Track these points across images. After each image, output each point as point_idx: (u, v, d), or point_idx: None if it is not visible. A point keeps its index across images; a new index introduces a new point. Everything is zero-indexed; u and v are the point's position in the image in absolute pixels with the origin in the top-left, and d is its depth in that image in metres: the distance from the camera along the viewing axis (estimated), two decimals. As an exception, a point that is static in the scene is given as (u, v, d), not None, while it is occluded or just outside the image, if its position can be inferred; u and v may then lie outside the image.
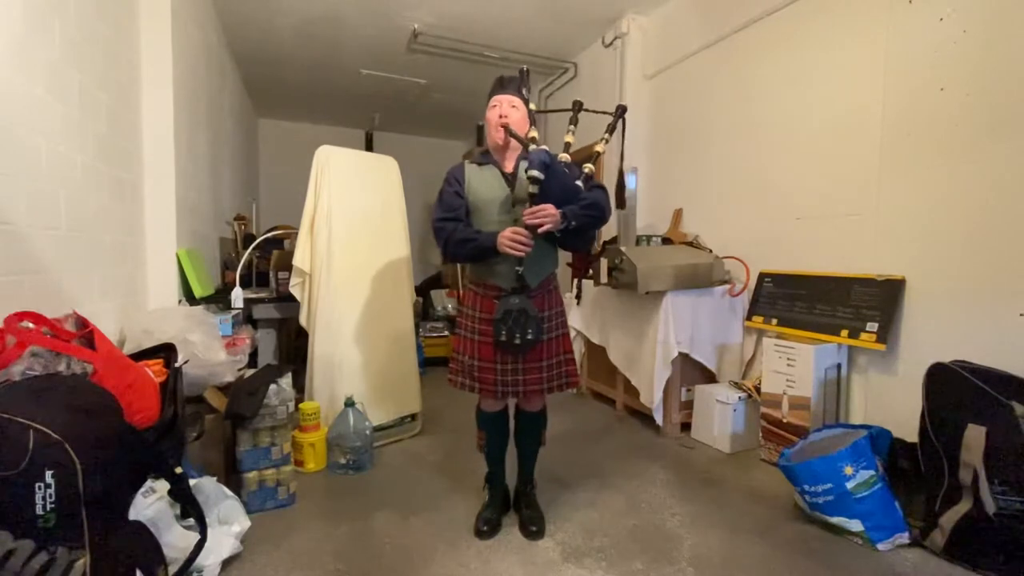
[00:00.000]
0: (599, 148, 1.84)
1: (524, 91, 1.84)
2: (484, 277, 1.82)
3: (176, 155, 2.54)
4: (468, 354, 1.82)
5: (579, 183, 1.72)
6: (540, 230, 1.63)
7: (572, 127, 1.88)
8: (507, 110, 1.79)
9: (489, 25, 3.87)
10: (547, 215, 1.62)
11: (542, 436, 1.97)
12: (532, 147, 1.67)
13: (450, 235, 1.75)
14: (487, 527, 1.85)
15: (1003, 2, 1.91)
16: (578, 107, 1.92)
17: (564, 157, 1.74)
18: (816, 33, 2.60)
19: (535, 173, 1.59)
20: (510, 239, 1.65)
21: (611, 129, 1.88)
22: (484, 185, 1.81)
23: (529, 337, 1.73)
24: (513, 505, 2.01)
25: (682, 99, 3.52)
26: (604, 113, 1.99)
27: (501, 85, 1.85)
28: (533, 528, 1.85)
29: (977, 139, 1.98)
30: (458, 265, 5.21)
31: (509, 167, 1.82)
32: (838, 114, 2.49)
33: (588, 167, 1.77)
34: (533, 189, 1.62)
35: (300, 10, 3.69)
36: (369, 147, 6.75)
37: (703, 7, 3.29)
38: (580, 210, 1.69)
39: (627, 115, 1.92)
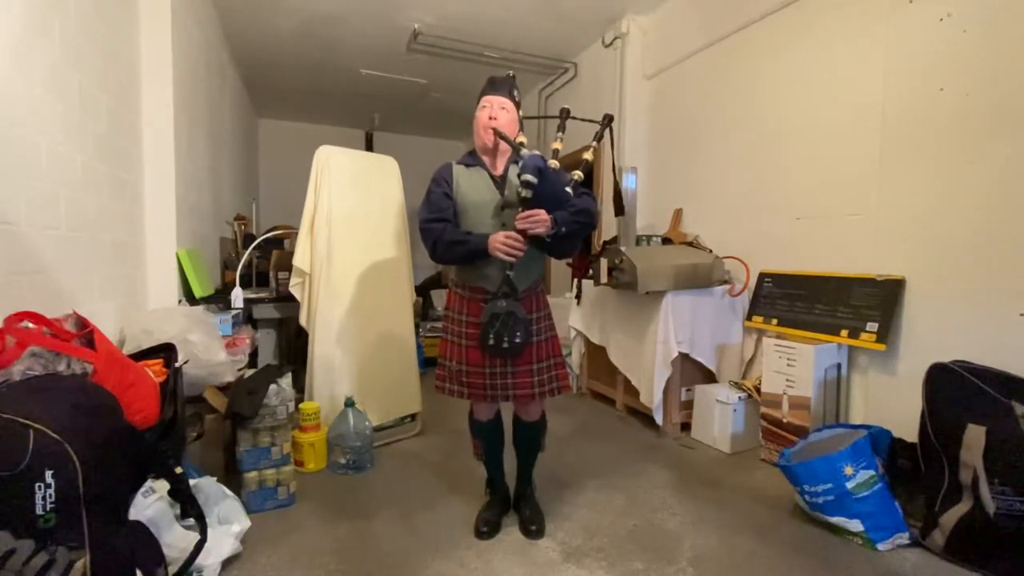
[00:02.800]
0: (587, 156, 1.84)
1: (515, 93, 1.83)
2: (471, 280, 1.79)
3: (176, 155, 2.54)
4: (455, 359, 1.80)
5: (568, 189, 1.72)
6: (531, 234, 1.63)
7: (560, 134, 1.87)
8: (497, 112, 1.76)
9: (489, 25, 3.87)
10: (540, 220, 1.61)
11: (542, 443, 1.97)
12: (524, 151, 1.65)
13: (439, 236, 1.71)
14: (487, 528, 1.85)
15: (1003, 2, 1.91)
16: (565, 114, 1.93)
17: (553, 163, 1.73)
18: (816, 33, 2.60)
19: (529, 178, 1.57)
20: (503, 243, 1.62)
21: (598, 137, 1.90)
22: (473, 188, 1.78)
23: (518, 340, 1.70)
24: (513, 505, 2.00)
25: (682, 99, 3.52)
26: (591, 121, 2.00)
27: (492, 86, 1.82)
28: (533, 528, 1.85)
29: (977, 139, 1.98)
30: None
31: (498, 170, 1.80)
32: (838, 114, 2.49)
33: (577, 174, 1.77)
34: (526, 194, 1.59)
35: (300, 10, 3.69)
36: (369, 147, 6.75)
37: (703, 7, 3.28)
38: (570, 216, 1.69)
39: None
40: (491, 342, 1.69)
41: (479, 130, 1.79)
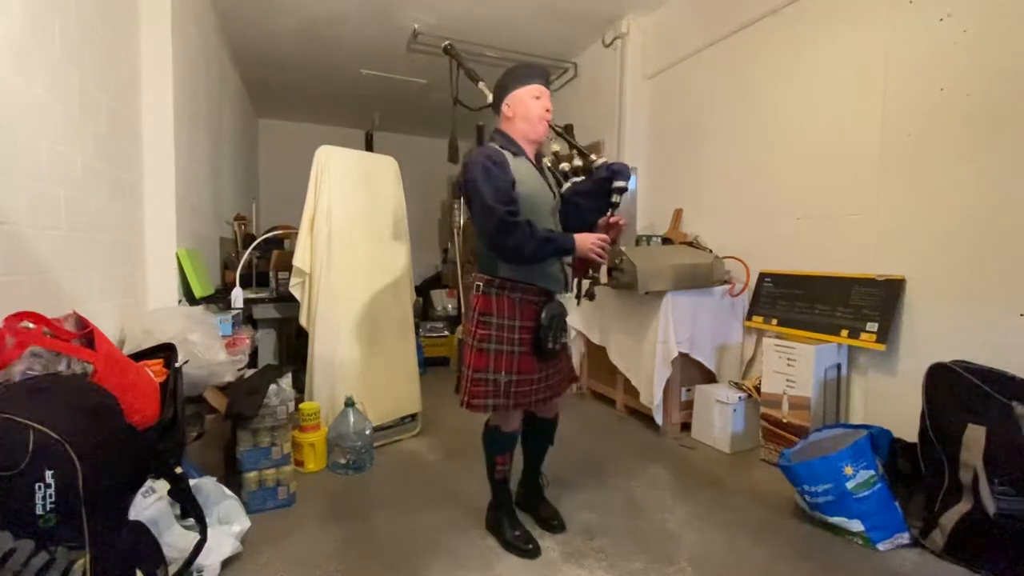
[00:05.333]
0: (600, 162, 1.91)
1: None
2: (529, 279, 1.67)
3: (176, 155, 2.54)
4: (505, 370, 1.64)
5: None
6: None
7: (575, 149, 1.93)
8: (549, 105, 1.71)
9: (489, 25, 3.87)
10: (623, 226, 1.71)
11: (554, 437, 2.00)
12: (596, 158, 1.77)
13: (529, 233, 1.54)
14: (531, 543, 1.74)
15: (1003, 2, 1.91)
16: (569, 129, 1.98)
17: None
18: (816, 33, 2.60)
19: (625, 184, 1.65)
20: (598, 245, 1.61)
21: (574, 145, 1.98)
22: (528, 178, 1.66)
23: (564, 341, 1.74)
24: (520, 506, 1.99)
25: (682, 99, 3.52)
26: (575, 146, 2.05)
27: (542, 75, 1.72)
28: (555, 523, 1.88)
29: (977, 139, 1.98)
30: (458, 265, 5.21)
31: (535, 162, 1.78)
32: (838, 114, 2.49)
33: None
34: (617, 199, 1.67)
35: (300, 10, 3.69)
36: (369, 147, 6.75)
37: (703, 7, 3.28)
38: None
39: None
40: (549, 345, 1.67)
41: (532, 119, 1.69)
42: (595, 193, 1.73)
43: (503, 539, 1.79)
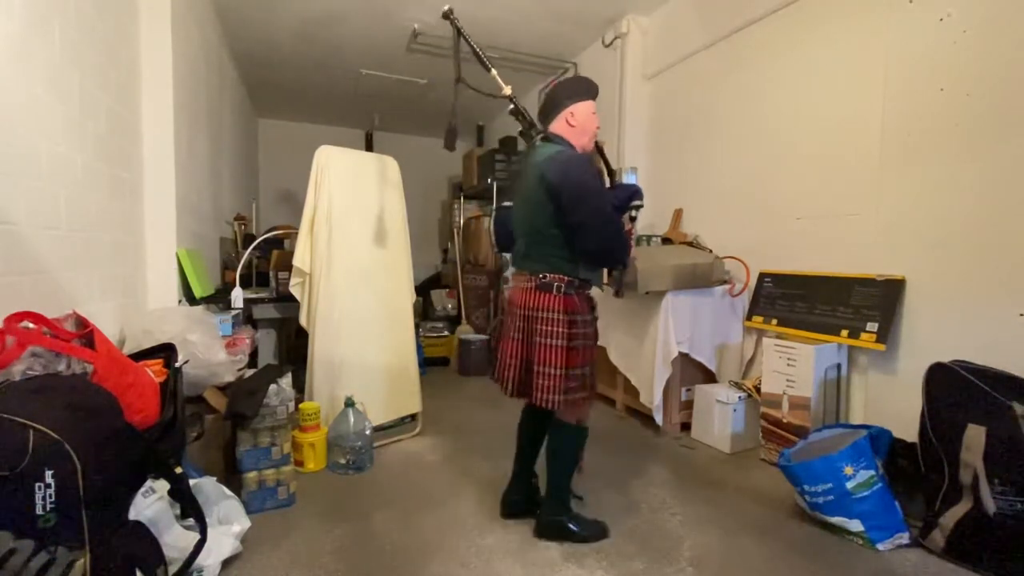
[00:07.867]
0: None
1: None
2: (595, 279, 1.83)
3: (176, 155, 2.54)
4: (586, 363, 1.76)
5: None
6: None
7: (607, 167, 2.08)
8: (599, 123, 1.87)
9: (489, 25, 3.87)
10: None
11: None
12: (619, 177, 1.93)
13: (627, 237, 1.78)
14: (598, 522, 1.87)
15: (1003, 2, 1.91)
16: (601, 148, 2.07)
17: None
18: (816, 33, 2.60)
19: (641, 203, 1.86)
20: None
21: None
22: None
23: None
24: (510, 515, 1.96)
25: (682, 99, 3.52)
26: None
27: (597, 94, 1.86)
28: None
29: (977, 139, 1.98)
30: (458, 265, 5.21)
31: None
32: (838, 114, 2.49)
33: None
34: (635, 214, 1.89)
35: (300, 10, 3.69)
36: (369, 147, 6.76)
37: (703, 7, 3.28)
38: None
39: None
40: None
41: (591, 133, 1.83)
42: (620, 209, 1.88)
43: (579, 536, 1.80)
